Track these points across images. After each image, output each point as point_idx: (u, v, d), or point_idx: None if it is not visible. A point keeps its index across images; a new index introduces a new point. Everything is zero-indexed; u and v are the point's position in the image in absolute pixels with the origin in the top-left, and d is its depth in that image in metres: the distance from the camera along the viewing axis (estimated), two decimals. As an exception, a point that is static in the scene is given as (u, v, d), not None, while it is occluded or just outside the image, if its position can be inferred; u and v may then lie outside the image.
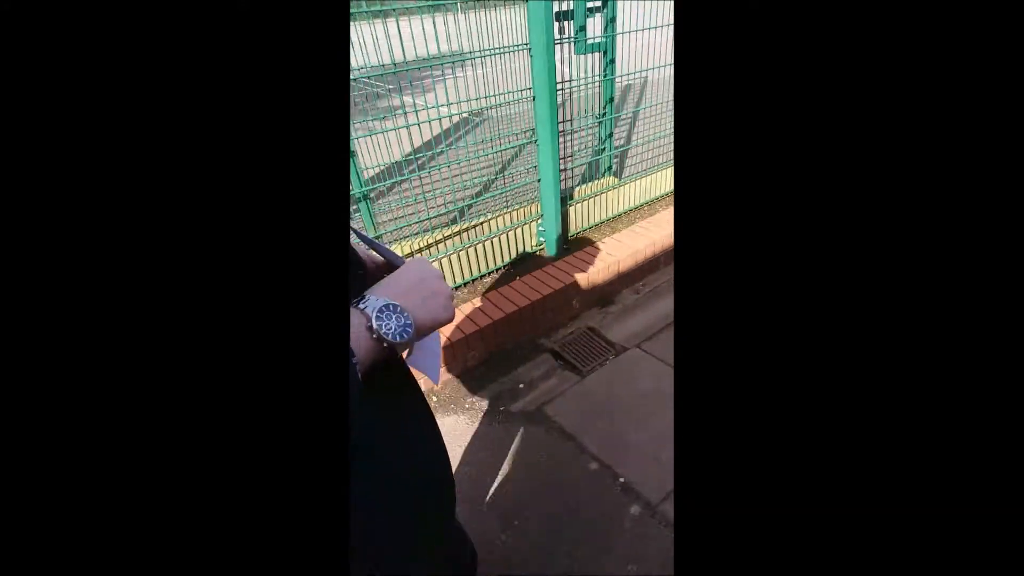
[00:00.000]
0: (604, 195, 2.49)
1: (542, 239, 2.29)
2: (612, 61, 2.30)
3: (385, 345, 0.41)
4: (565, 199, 2.35)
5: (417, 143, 2.08)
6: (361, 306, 0.41)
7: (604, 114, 2.42)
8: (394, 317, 0.41)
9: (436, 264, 1.98)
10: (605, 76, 2.33)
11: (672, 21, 2.34)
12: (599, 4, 2.19)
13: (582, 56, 2.21)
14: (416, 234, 2.06)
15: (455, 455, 1.59)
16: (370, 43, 1.66)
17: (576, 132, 2.35)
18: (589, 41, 2.18)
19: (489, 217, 2.21)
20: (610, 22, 2.21)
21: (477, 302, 2.02)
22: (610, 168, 2.56)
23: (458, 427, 1.70)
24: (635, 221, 2.54)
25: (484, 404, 1.79)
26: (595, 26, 2.27)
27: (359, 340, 0.39)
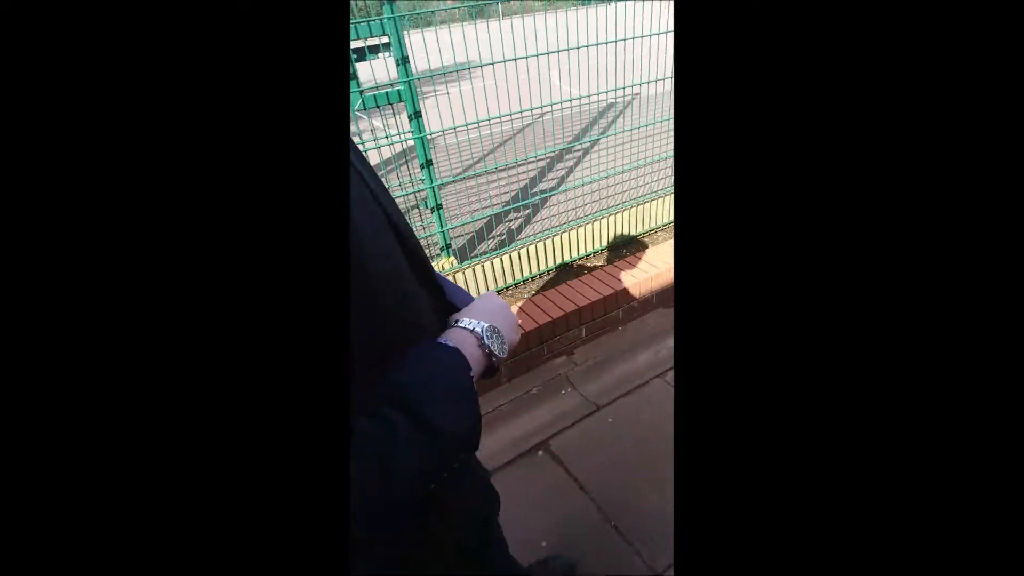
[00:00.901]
0: (439, 284, 1.89)
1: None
2: (417, 115, 1.72)
3: (494, 360, 0.48)
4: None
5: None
6: (468, 327, 0.48)
7: (421, 180, 1.83)
8: (495, 337, 0.49)
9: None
10: (414, 134, 1.74)
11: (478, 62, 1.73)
12: (384, 41, 1.62)
13: (370, 111, 1.65)
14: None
15: None
16: None
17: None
18: (371, 92, 1.61)
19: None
20: (402, 64, 1.64)
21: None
22: (446, 247, 1.95)
23: None
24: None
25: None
26: (389, 70, 1.71)
27: (474, 355, 0.46)
